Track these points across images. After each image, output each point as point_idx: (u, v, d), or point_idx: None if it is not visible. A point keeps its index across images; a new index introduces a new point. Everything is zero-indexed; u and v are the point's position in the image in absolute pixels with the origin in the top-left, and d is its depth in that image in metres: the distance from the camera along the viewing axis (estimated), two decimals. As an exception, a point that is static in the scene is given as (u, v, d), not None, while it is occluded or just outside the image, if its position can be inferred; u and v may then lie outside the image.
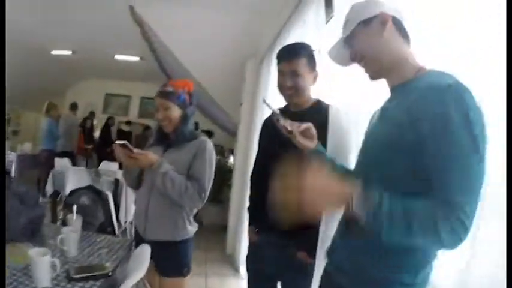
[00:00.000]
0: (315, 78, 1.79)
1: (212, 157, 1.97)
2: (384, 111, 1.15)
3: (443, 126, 0.86)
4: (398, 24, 1.10)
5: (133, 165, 1.88)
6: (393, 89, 1.14)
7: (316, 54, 1.78)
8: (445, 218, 0.83)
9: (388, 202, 0.87)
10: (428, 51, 1.23)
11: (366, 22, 1.11)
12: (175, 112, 1.92)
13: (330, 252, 1.26)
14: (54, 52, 7.17)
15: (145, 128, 9.40)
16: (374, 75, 1.15)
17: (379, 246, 0.97)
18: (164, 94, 1.91)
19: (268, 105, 1.48)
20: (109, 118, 9.31)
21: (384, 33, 1.08)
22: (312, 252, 1.66)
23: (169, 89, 1.92)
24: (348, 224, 0.93)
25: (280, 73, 1.75)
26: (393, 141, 0.98)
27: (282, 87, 1.75)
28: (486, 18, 1.03)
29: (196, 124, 7.85)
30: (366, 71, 1.16)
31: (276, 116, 1.44)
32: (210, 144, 1.98)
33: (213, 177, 1.97)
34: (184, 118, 1.94)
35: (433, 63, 1.10)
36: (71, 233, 1.69)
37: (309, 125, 1.40)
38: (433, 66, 1.07)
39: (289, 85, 1.71)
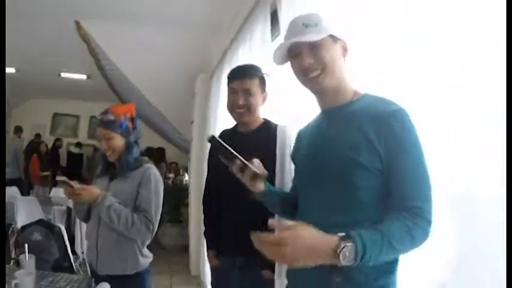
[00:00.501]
0: (264, 99, 1.83)
1: (158, 185, 1.92)
2: (324, 133, 1.18)
3: (400, 146, 1.01)
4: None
5: (78, 200, 1.83)
6: (327, 111, 1.20)
7: (266, 77, 1.82)
8: (416, 225, 0.93)
9: (370, 240, 0.88)
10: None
11: (334, 39, 1.14)
12: (118, 141, 1.87)
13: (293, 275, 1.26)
14: (-3, 70, 6.80)
15: (95, 149, 9.01)
16: (321, 89, 1.16)
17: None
18: (105, 124, 1.86)
19: (220, 142, 1.40)
20: (56, 140, 8.93)
21: (343, 57, 1.16)
22: (275, 269, 1.68)
23: (111, 117, 1.87)
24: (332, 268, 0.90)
25: (233, 91, 1.77)
26: (349, 162, 1.04)
27: (233, 105, 1.77)
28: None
29: (150, 150, 7.66)
30: (313, 83, 1.15)
31: (227, 154, 1.37)
32: (155, 171, 1.94)
33: (161, 205, 1.92)
34: (128, 146, 1.90)
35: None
36: (26, 277, 1.61)
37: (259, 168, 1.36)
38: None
39: (242, 103, 1.73)
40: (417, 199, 0.96)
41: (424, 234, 0.95)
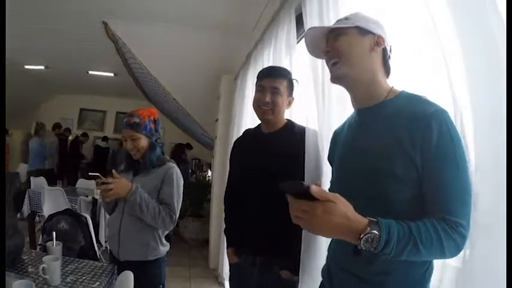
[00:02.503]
0: (290, 103, 1.85)
1: (180, 182, 2.09)
2: (356, 137, 1.18)
3: (439, 154, 0.95)
4: (385, 55, 1.16)
5: (112, 196, 1.93)
6: (359, 111, 1.19)
7: (294, 82, 1.85)
8: (450, 237, 0.91)
9: (397, 235, 0.90)
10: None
11: (363, 31, 1.13)
12: (143, 142, 2.05)
13: (329, 275, 1.26)
14: (27, 67, 7.05)
15: (121, 144, 9.24)
16: (337, 78, 1.16)
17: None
18: (131, 125, 2.02)
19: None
20: (82, 134, 9.24)
21: (372, 52, 1.13)
22: (294, 270, 1.70)
23: (136, 120, 2.03)
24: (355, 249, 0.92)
25: (261, 88, 1.80)
26: (382, 172, 1.02)
27: (259, 102, 1.79)
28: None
29: (179, 146, 7.77)
30: (332, 70, 1.16)
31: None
32: (177, 169, 2.10)
33: (181, 200, 2.08)
34: (152, 146, 2.08)
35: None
36: (53, 261, 1.69)
37: None
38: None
39: (268, 100, 1.76)
40: (455, 212, 0.93)
41: (456, 248, 0.92)
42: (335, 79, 1.17)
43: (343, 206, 0.89)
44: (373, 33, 1.13)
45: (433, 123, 0.95)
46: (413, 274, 1.04)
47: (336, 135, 1.36)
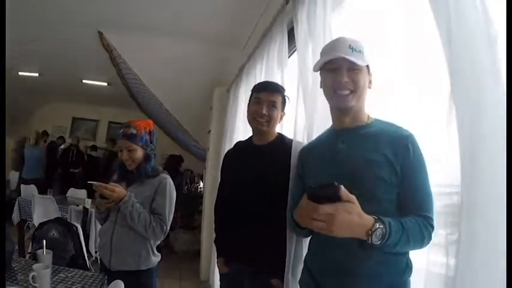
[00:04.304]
0: (281, 117, 1.91)
1: (173, 193, 2.11)
2: (342, 150, 1.32)
3: (415, 166, 1.21)
4: None
5: (108, 204, 1.97)
6: (345, 130, 1.36)
7: (287, 98, 1.92)
8: (426, 229, 1.14)
9: (395, 229, 1.08)
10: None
11: (368, 70, 1.33)
12: (139, 153, 2.08)
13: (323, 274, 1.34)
14: (21, 73, 7.05)
15: (109, 153, 9.08)
16: (347, 106, 1.31)
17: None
18: (128, 137, 2.06)
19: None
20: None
21: (369, 87, 1.35)
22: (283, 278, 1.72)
23: (133, 131, 2.06)
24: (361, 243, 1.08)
25: (258, 101, 1.85)
26: (373, 177, 1.21)
27: (256, 113, 1.84)
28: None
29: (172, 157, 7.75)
30: (343, 98, 1.30)
31: None
32: (170, 180, 2.13)
33: (173, 211, 2.11)
34: (147, 157, 2.11)
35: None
36: (43, 270, 1.70)
37: None
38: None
39: (265, 113, 1.81)
40: (428, 210, 1.18)
41: (429, 238, 1.15)
42: (340, 108, 1.35)
43: (358, 205, 1.07)
44: (371, 73, 1.35)
45: (409, 143, 1.22)
46: (400, 264, 1.22)
47: (307, 151, 1.52)
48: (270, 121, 1.83)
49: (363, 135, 1.31)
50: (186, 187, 6.96)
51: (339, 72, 1.29)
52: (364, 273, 1.20)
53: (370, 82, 1.35)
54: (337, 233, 1.06)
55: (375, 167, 1.21)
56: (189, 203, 5.97)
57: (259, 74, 2.89)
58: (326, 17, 1.79)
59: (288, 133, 2.00)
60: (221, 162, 2.20)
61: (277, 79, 2.25)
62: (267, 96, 1.83)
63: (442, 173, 1.21)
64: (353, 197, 1.06)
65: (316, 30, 1.83)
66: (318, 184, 1.11)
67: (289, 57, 2.40)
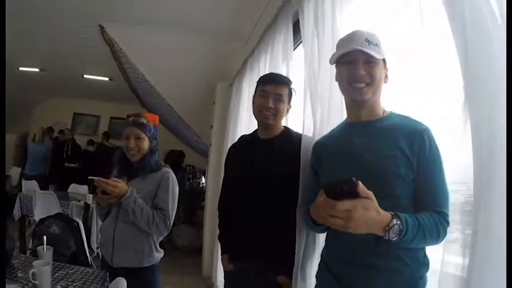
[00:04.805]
0: (287, 110, 1.87)
1: (175, 188, 2.08)
2: (358, 143, 1.29)
3: (431, 160, 1.19)
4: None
5: (110, 200, 1.93)
6: (361, 123, 1.34)
7: (293, 91, 1.87)
8: (442, 225, 1.13)
9: (411, 225, 1.08)
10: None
11: (384, 64, 1.32)
12: (146, 143, 2.04)
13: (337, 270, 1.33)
14: (21, 68, 7.00)
15: (97, 146, 8.92)
16: (363, 99, 1.29)
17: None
18: (138, 124, 2.02)
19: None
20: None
21: (385, 82, 1.32)
22: (291, 275, 1.69)
23: (144, 121, 2.03)
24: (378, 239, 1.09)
25: (264, 93, 1.81)
26: (390, 172, 1.19)
27: (262, 106, 1.81)
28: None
29: (172, 152, 7.71)
30: (358, 91, 1.29)
31: None
32: (172, 175, 2.09)
33: (176, 206, 2.07)
34: (151, 150, 2.08)
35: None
36: (43, 267, 1.66)
37: None
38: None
39: (271, 105, 1.78)
40: (444, 206, 1.16)
41: (445, 234, 1.14)
42: (356, 101, 1.33)
43: (375, 201, 1.06)
44: (387, 67, 1.33)
45: (425, 137, 1.20)
46: (418, 259, 1.21)
47: (321, 145, 1.49)
48: (277, 114, 1.80)
49: (379, 129, 1.29)
50: (188, 182, 6.93)
51: (355, 65, 1.27)
52: (383, 268, 1.19)
53: (386, 76, 1.32)
54: (354, 230, 1.05)
55: (392, 163, 1.20)
56: (191, 198, 5.94)
57: (263, 68, 2.85)
58: (334, 8, 1.74)
59: (293, 126, 1.97)
60: (224, 157, 2.16)
61: (282, 72, 2.20)
62: (274, 89, 1.79)
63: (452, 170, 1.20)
64: (370, 193, 1.05)
65: (324, 22, 1.78)
66: (335, 180, 1.08)
67: (294, 49, 2.35)
